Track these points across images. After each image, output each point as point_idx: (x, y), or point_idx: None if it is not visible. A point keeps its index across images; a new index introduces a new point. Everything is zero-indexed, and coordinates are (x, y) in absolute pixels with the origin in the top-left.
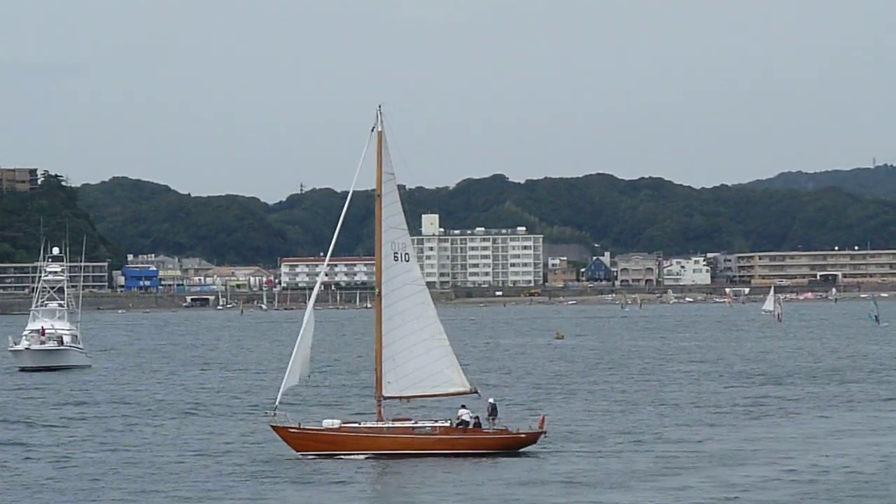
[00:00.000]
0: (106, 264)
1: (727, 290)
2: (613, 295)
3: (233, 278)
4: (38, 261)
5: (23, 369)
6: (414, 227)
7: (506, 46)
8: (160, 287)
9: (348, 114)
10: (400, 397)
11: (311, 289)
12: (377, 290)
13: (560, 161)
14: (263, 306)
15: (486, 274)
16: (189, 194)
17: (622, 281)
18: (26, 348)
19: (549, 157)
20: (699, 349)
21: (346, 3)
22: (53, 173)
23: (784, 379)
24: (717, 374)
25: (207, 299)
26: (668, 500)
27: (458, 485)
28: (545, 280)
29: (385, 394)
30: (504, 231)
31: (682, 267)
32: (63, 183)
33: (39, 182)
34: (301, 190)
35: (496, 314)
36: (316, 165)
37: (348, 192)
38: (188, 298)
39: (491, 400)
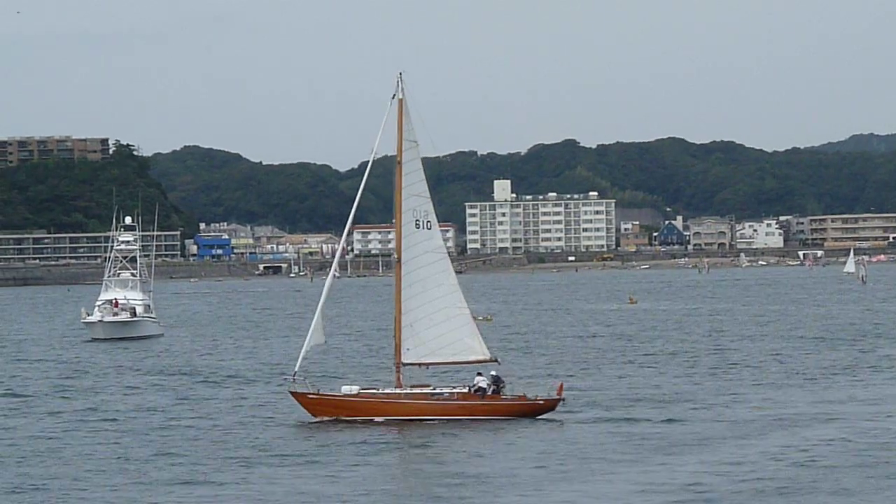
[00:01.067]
0: (178, 233)
1: (802, 253)
2: (686, 259)
3: (305, 246)
4: (110, 230)
5: (96, 340)
6: (486, 192)
7: (575, 11)
8: (232, 255)
9: (418, 81)
10: (419, 364)
11: (384, 255)
12: (396, 257)
13: (631, 125)
14: (336, 273)
15: (559, 239)
16: (261, 162)
17: (695, 245)
18: (99, 320)
19: (621, 122)
20: (789, 313)
21: None
22: (125, 143)
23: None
24: (812, 337)
25: (280, 267)
26: (737, 464)
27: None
28: (618, 245)
29: (404, 360)
30: (576, 196)
31: (755, 230)
32: (134, 152)
33: (111, 152)
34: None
35: (568, 279)
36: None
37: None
38: (260, 266)
39: (493, 373)
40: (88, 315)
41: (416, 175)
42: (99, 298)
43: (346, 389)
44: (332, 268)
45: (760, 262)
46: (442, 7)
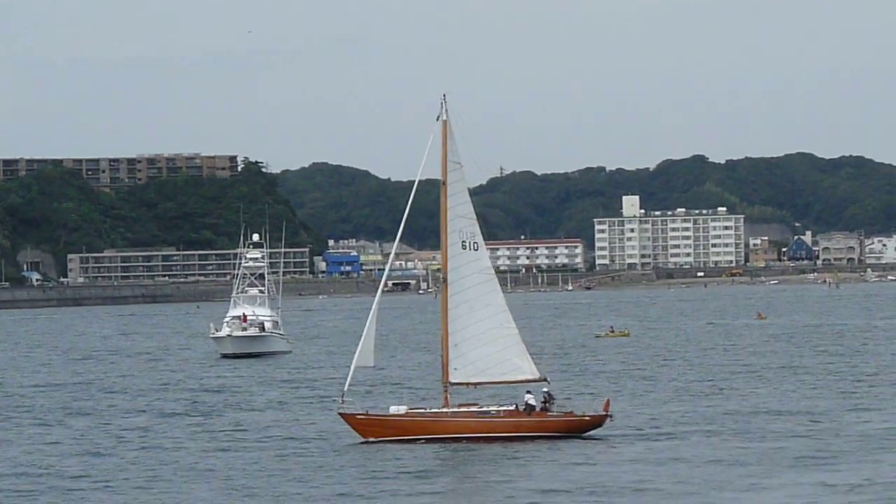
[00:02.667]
0: (307, 250)
1: None
2: (815, 274)
3: (434, 262)
4: (238, 248)
5: (224, 356)
6: (615, 208)
7: (700, 25)
8: (361, 272)
9: (547, 98)
10: (467, 384)
11: (513, 272)
12: (443, 278)
13: (760, 140)
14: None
15: (688, 255)
16: (389, 179)
17: (824, 260)
18: (228, 335)
19: (749, 137)
20: None
21: None
22: (254, 160)
23: None
24: None
25: (408, 283)
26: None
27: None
28: (746, 260)
29: (451, 380)
30: (705, 212)
31: (884, 245)
32: (263, 169)
33: (240, 169)
34: (501, 173)
35: (697, 294)
36: (515, 149)
37: (548, 175)
38: (389, 283)
39: (545, 390)
40: (217, 331)
41: (461, 196)
42: (227, 315)
43: (393, 409)
44: (380, 287)
45: (889, 277)
46: (557, 29)
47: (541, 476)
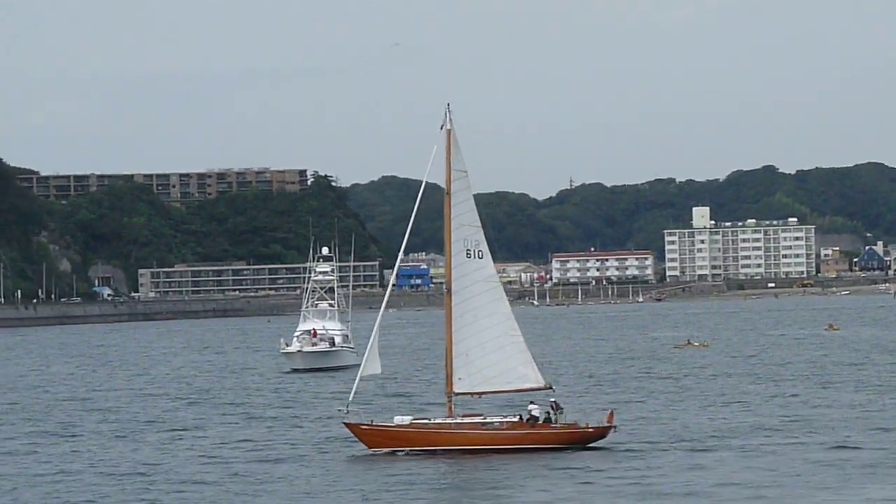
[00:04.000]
0: (377, 263)
1: None
2: (887, 284)
3: (503, 275)
4: (308, 261)
5: (295, 370)
6: (685, 219)
7: (771, 36)
8: (431, 285)
9: (616, 110)
10: (471, 393)
11: (583, 284)
12: (446, 287)
13: (830, 150)
14: (535, 302)
15: (759, 265)
16: None
17: (895, 270)
18: (298, 350)
19: (819, 147)
20: None
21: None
22: (323, 174)
23: None
24: None
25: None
26: None
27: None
28: (817, 270)
29: (456, 390)
30: (775, 222)
31: None
32: (333, 183)
33: (309, 183)
34: (570, 185)
35: (769, 305)
36: (585, 160)
37: (618, 186)
38: None
39: (552, 400)
40: (287, 345)
41: (466, 205)
42: (297, 329)
43: (398, 420)
44: (384, 300)
45: None
46: (637, 35)
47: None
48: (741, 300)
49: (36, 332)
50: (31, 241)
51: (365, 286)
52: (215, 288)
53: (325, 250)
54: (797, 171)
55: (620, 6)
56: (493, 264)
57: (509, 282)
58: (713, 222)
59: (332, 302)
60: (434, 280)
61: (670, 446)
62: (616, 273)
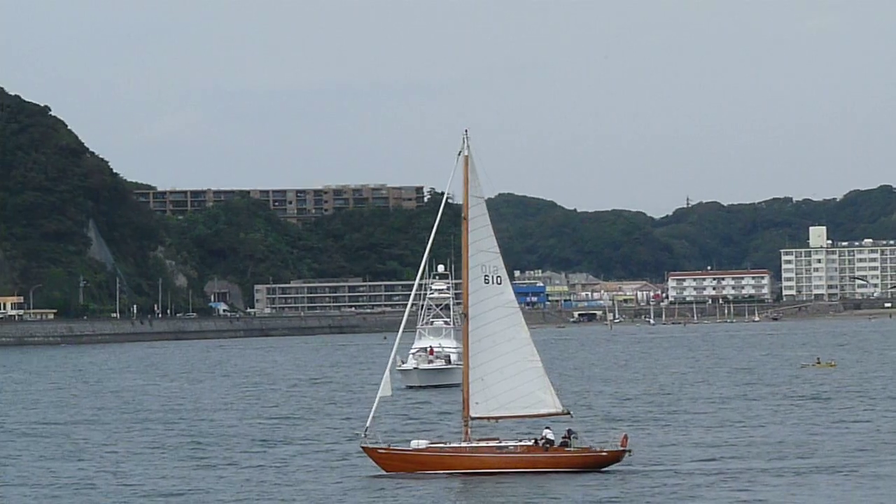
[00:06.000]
0: None
1: None
2: None
3: (620, 293)
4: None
5: (410, 387)
6: (802, 239)
7: (885, 55)
8: (547, 303)
9: (733, 128)
10: (488, 418)
11: (699, 303)
12: (463, 312)
13: None
14: (651, 321)
15: (875, 286)
16: (575, 210)
17: None
18: (414, 367)
19: None
20: None
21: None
22: (440, 191)
23: None
24: None
25: (594, 314)
26: None
27: None
28: None
29: (472, 414)
30: (892, 242)
31: None
32: (450, 200)
33: (426, 199)
34: (687, 204)
35: (889, 326)
36: (702, 179)
37: (735, 205)
38: (575, 314)
39: (567, 429)
40: (403, 363)
41: (483, 231)
42: (413, 346)
43: (414, 444)
44: (402, 323)
45: None
46: (752, 51)
47: None
48: (871, 319)
49: (156, 347)
50: (147, 257)
51: None
52: (331, 304)
53: (440, 268)
54: None
55: (742, 20)
56: (557, 286)
57: (625, 300)
58: (830, 242)
59: (448, 319)
60: (550, 298)
61: None
62: (732, 292)
